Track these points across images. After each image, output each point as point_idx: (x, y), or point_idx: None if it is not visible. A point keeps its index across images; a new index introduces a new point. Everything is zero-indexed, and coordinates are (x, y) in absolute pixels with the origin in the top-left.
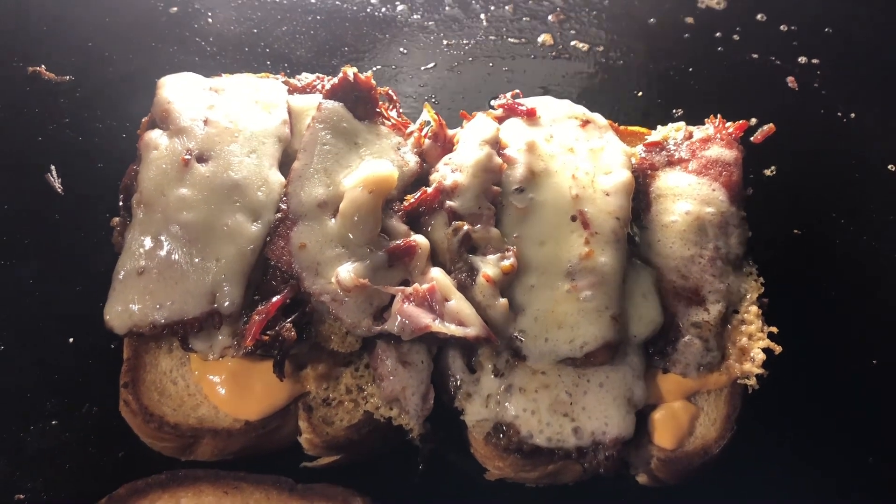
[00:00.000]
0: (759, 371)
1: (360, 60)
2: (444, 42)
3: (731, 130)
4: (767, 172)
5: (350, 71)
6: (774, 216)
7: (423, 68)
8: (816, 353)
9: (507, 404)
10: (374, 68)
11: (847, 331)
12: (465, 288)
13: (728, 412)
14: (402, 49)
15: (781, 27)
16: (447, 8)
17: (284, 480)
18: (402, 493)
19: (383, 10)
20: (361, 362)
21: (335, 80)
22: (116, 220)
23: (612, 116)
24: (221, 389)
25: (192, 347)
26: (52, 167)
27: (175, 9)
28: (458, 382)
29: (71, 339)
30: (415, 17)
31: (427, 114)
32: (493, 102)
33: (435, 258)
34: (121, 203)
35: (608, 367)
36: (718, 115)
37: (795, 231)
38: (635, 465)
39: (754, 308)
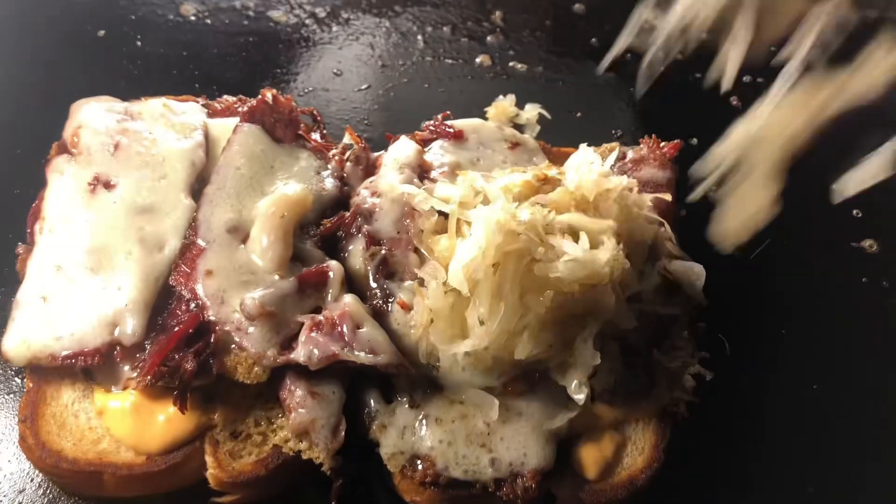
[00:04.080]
0: (689, 398)
1: (292, 82)
2: (380, 63)
3: (664, 150)
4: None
5: (269, 93)
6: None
7: (356, 90)
8: (749, 380)
9: (422, 436)
10: (307, 90)
11: (783, 356)
12: (381, 315)
13: (656, 441)
14: (335, 70)
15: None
16: (384, 30)
17: None
18: None
19: (318, 31)
20: (272, 393)
21: (253, 102)
22: (21, 247)
23: (549, 137)
24: (123, 422)
25: (95, 379)
26: None
27: (103, 32)
28: (374, 413)
29: None
30: (350, 39)
31: (349, 137)
32: (425, 124)
33: (354, 285)
34: (28, 230)
35: (529, 395)
36: (653, 136)
37: (734, 253)
38: (561, 498)
39: (685, 333)
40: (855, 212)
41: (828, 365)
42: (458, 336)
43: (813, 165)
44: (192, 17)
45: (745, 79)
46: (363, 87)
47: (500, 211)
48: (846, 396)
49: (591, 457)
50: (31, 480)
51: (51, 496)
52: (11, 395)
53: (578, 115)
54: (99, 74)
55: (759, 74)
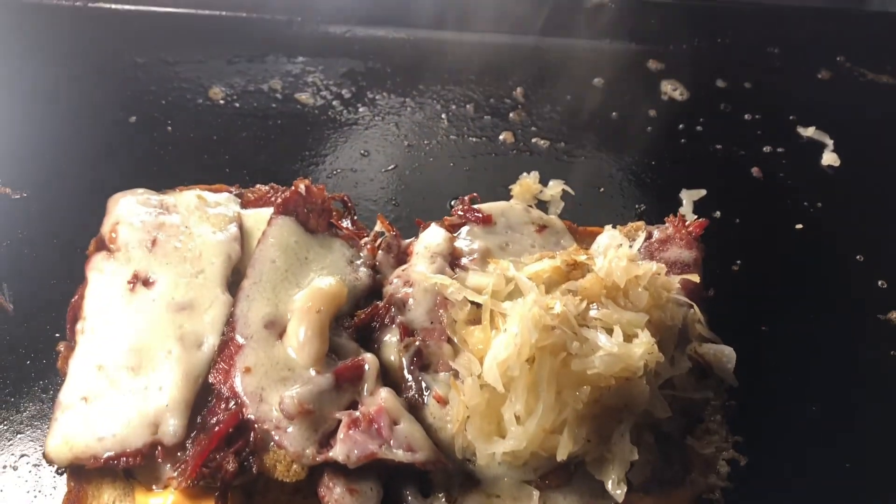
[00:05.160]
0: (724, 484)
1: (320, 164)
2: (406, 143)
3: (690, 229)
4: (734, 268)
5: (302, 184)
6: (741, 313)
7: (383, 170)
8: (783, 461)
9: None
10: (335, 171)
11: (815, 435)
12: (416, 408)
13: None
14: (362, 151)
15: (745, 116)
16: (409, 109)
17: None
18: None
19: (345, 112)
20: (310, 489)
21: (287, 192)
22: (62, 345)
23: (574, 213)
24: None
25: (135, 477)
26: (4, 284)
27: (134, 118)
28: None
29: (15, 468)
30: (376, 119)
31: (380, 225)
32: (451, 202)
33: (388, 376)
34: (68, 327)
35: (566, 487)
36: (679, 214)
37: (763, 328)
38: None
39: (718, 416)
40: (880, 282)
41: (860, 442)
42: (495, 432)
43: (838, 223)
44: (221, 101)
45: (765, 149)
46: (390, 168)
47: (534, 306)
48: (882, 475)
49: None
50: None
51: None
52: (53, 492)
53: (601, 189)
54: (131, 160)
55: (780, 144)
